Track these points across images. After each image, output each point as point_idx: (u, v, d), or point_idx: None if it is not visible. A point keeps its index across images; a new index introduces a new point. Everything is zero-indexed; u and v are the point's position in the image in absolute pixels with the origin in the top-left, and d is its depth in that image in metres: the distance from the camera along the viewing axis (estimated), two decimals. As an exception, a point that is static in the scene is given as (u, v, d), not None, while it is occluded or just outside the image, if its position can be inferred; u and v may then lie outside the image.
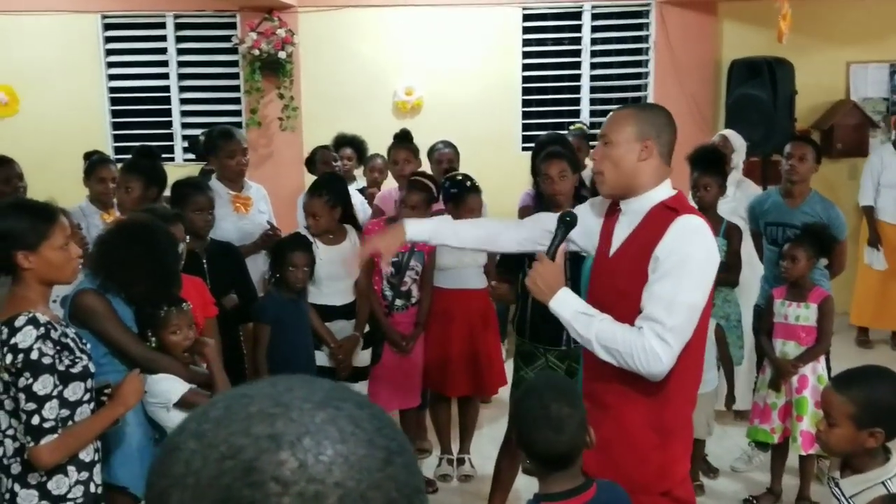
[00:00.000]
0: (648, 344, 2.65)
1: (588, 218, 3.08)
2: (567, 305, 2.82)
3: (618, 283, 2.84)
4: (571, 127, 7.48)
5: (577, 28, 8.40)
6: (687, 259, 2.69)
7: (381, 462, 0.76)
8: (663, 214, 2.78)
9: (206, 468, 0.73)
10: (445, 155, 6.24)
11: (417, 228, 3.30)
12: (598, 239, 3.04)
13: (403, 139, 6.02)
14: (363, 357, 4.91)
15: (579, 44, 8.41)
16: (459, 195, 4.96)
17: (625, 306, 2.77)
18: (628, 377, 2.76)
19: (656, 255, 2.71)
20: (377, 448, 0.77)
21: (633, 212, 2.87)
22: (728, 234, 5.13)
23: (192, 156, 8.00)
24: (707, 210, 5.06)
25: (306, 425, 0.75)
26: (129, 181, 4.60)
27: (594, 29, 8.39)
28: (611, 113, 2.99)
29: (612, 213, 3.02)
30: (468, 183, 5.02)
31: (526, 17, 8.29)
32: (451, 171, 5.49)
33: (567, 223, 2.96)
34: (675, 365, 2.71)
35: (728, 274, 5.09)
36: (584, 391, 2.93)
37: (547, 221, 3.19)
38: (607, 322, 2.74)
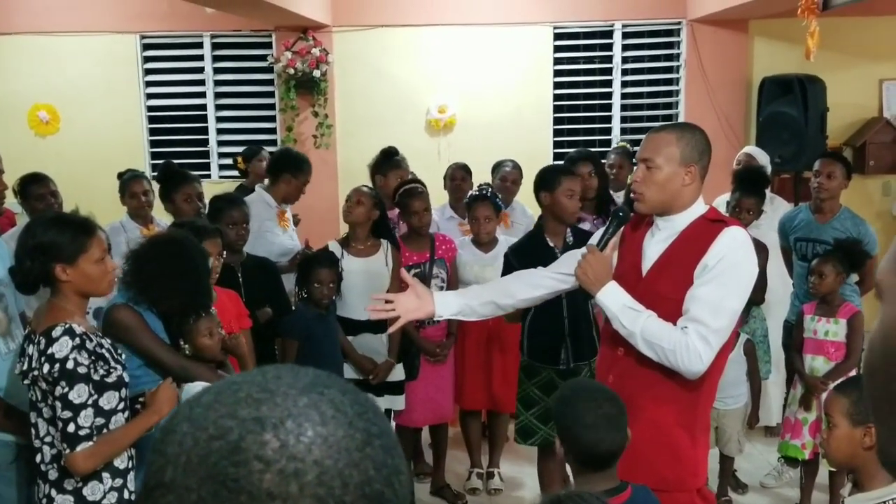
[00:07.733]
0: (692, 343, 2.78)
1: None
2: (615, 298, 2.93)
3: (660, 289, 2.93)
4: (615, 144, 7.54)
5: (609, 46, 8.43)
6: (736, 266, 2.85)
7: (359, 443, 0.82)
8: (707, 226, 2.91)
9: (196, 448, 0.79)
10: (510, 175, 6.08)
11: (444, 301, 3.28)
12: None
13: (390, 158, 5.84)
14: (396, 371, 4.89)
15: (610, 62, 8.44)
16: (470, 203, 5.07)
17: (667, 309, 2.88)
18: (661, 379, 2.89)
19: (705, 263, 2.84)
20: (357, 430, 0.82)
21: (671, 227, 2.97)
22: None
23: (228, 173, 8.15)
24: None
25: (289, 409, 0.81)
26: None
27: (625, 48, 8.42)
28: (650, 134, 3.03)
29: (637, 228, 3.10)
30: (480, 191, 5.08)
31: (557, 36, 8.35)
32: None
33: (620, 218, 3.05)
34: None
35: (753, 293, 5.08)
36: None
37: (554, 265, 3.36)
38: (653, 319, 2.86)
